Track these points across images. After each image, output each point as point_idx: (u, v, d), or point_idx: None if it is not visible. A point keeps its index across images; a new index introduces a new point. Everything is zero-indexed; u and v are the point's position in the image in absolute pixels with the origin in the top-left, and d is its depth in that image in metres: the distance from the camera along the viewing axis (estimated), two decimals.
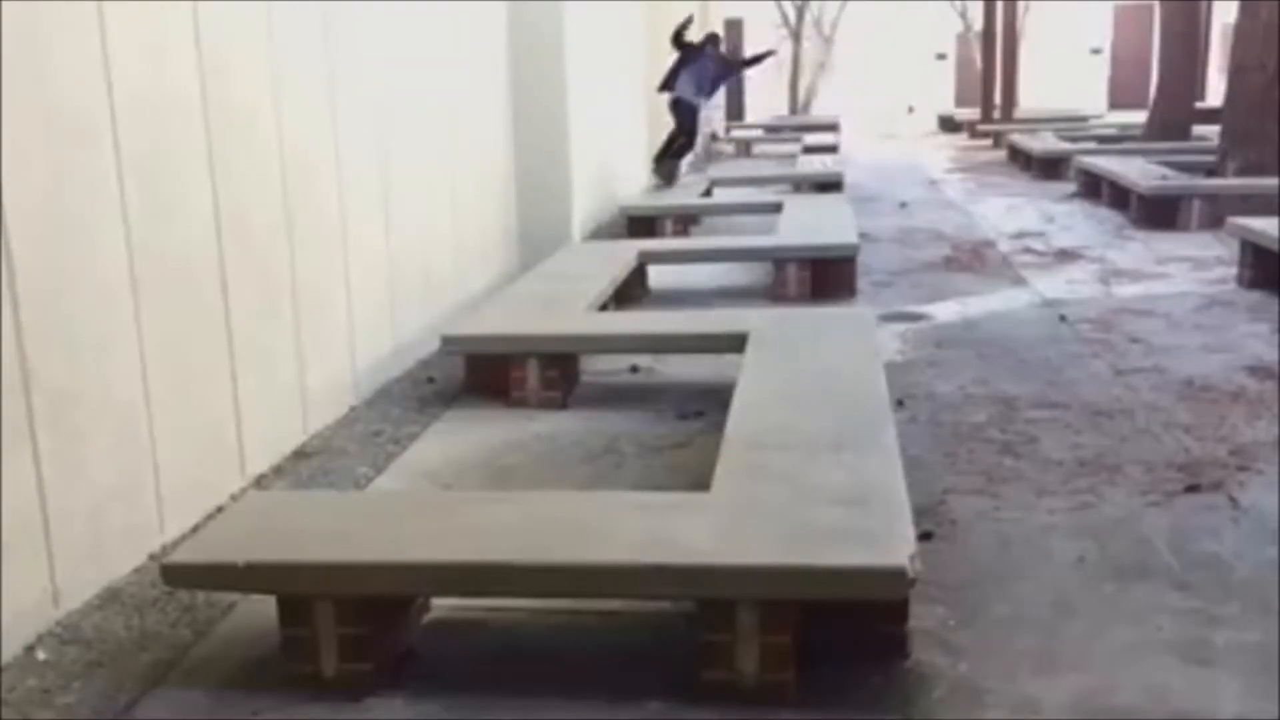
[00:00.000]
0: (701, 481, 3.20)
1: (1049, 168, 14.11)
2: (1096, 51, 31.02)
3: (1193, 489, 3.80)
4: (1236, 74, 10.51)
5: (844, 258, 7.13)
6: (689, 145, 11.31)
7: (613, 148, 10.57)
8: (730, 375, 4.28)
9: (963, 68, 30.68)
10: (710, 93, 11.50)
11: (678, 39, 10.86)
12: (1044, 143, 15.31)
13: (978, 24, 24.74)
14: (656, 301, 7.19)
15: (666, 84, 10.93)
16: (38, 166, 3.01)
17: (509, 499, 3.36)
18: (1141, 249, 8.73)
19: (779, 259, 7.15)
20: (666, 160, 11.07)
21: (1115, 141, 15.83)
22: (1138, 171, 10.65)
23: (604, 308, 5.84)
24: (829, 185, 10.98)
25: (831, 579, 2.50)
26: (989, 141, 20.06)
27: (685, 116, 11.04)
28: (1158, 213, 9.72)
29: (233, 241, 3.94)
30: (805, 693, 2.57)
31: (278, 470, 4.20)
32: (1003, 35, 22.31)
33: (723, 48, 11.80)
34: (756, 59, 12.53)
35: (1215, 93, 20.14)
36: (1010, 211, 11.26)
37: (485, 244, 7.09)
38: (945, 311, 6.73)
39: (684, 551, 2.58)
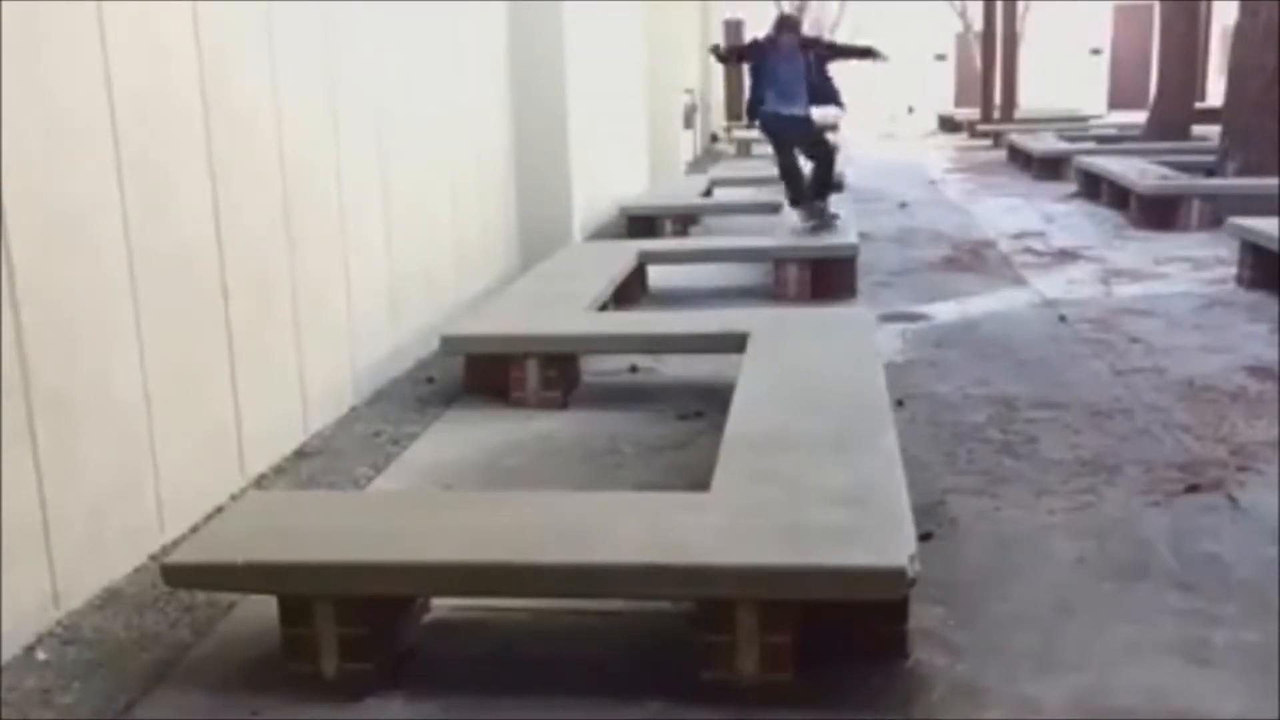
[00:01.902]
0: (701, 482, 3.20)
1: (1049, 168, 14.12)
2: (1096, 52, 31.03)
3: (1193, 489, 3.80)
4: (1236, 74, 10.51)
5: (844, 258, 7.13)
6: (828, 169, 8.17)
7: (613, 147, 10.56)
8: (730, 375, 4.29)
9: (962, 68, 30.69)
10: (817, 95, 8.08)
11: (719, 54, 9.11)
12: (1044, 143, 15.31)
13: (977, 24, 24.74)
14: (656, 301, 7.19)
15: (752, 111, 8.20)
16: (38, 167, 3.01)
17: (509, 499, 3.36)
18: (1141, 249, 8.74)
19: (779, 259, 7.15)
20: (806, 202, 7.97)
21: (1115, 141, 15.84)
22: (1137, 172, 10.66)
23: (604, 308, 5.84)
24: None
25: (831, 579, 2.50)
26: (989, 141, 20.08)
27: (793, 131, 8.02)
28: (1157, 213, 9.72)
29: (232, 241, 3.94)
30: (805, 693, 2.57)
31: (278, 470, 4.20)
32: (1003, 35, 22.33)
33: (803, 29, 8.78)
34: (859, 52, 8.65)
35: (1215, 93, 20.15)
36: (1010, 211, 11.26)
37: (485, 244, 7.09)
38: (945, 312, 6.73)
39: (684, 551, 2.58)
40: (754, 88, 8.08)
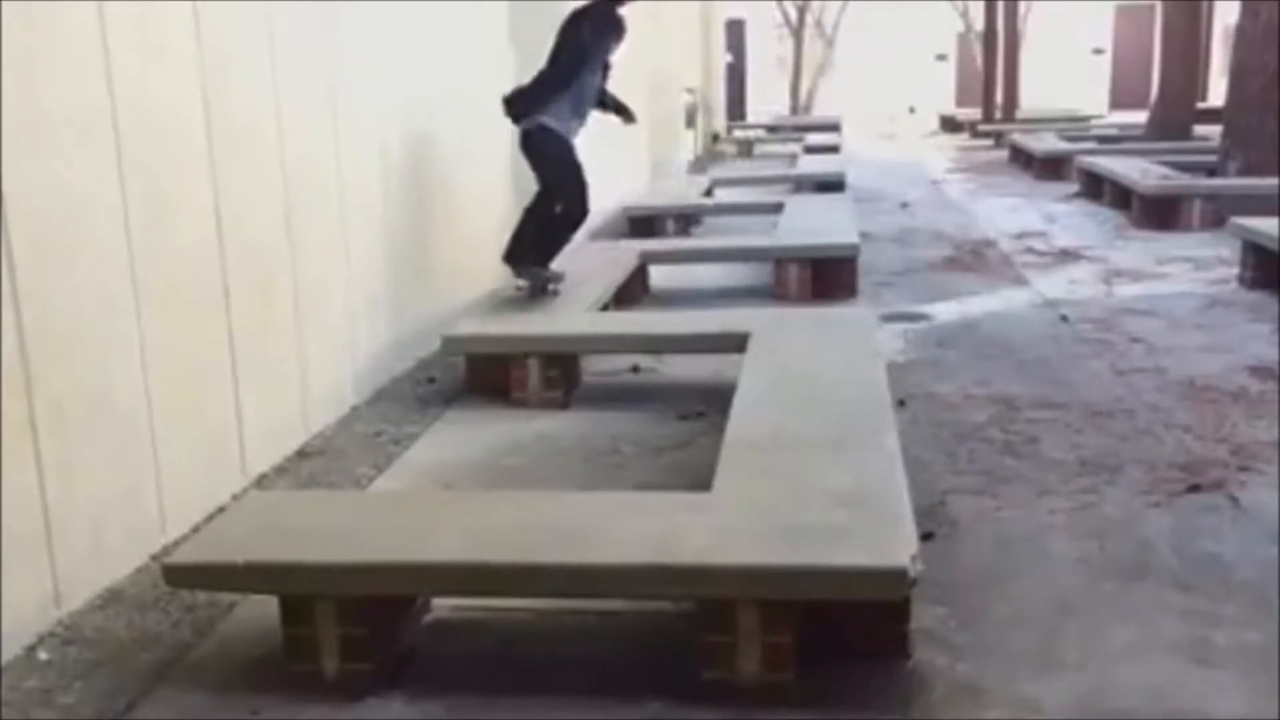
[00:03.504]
0: (702, 482, 3.20)
1: (1050, 168, 14.11)
2: (1098, 52, 31.02)
3: (1194, 489, 3.80)
4: (1237, 74, 10.51)
5: (845, 258, 7.13)
6: (572, 220, 5.83)
7: (614, 147, 10.55)
8: (731, 375, 4.29)
9: (963, 68, 30.69)
10: (586, 113, 5.97)
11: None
12: (1045, 143, 15.30)
13: (978, 24, 24.74)
14: (657, 301, 7.19)
15: (522, 103, 5.75)
16: (38, 168, 3.00)
17: (510, 499, 3.36)
18: (1143, 249, 8.73)
19: (780, 259, 7.15)
20: (528, 266, 5.83)
21: (1116, 141, 15.82)
22: (1139, 171, 10.65)
23: (605, 308, 5.84)
24: (830, 185, 10.98)
25: (832, 579, 2.50)
26: (990, 142, 20.06)
27: (552, 162, 5.73)
28: (1159, 213, 9.72)
29: (233, 241, 3.94)
30: (805, 693, 2.57)
31: (279, 470, 4.20)
32: (1004, 35, 22.32)
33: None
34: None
35: (1216, 93, 20.13)
36: (1011, 211, 11.26)
37: (487, 243, 7.08)
38: (946, 311, 6.73)
39: (685, 552, 2.58)
40: (564, 78, 5.65)
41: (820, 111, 27.76)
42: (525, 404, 4.93)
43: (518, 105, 5.72)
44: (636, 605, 2.95)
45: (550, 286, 5.88)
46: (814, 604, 2.58)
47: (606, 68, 6.00)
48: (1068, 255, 8.59)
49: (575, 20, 5.77)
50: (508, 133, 7.56)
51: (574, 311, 5.43)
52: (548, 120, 5.68)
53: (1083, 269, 8.02)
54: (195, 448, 3.72)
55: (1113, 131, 17.90)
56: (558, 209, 5.80)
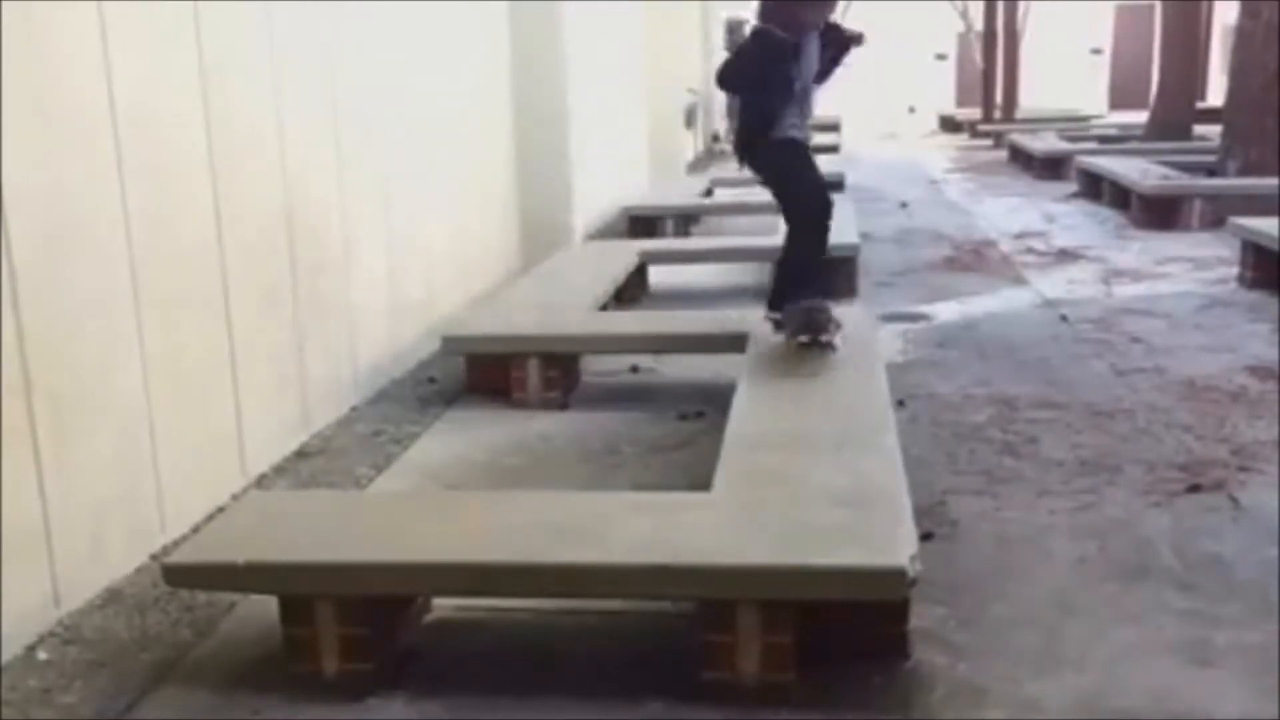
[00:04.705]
0: (702, 482, 3.20)
1: (1050, 168, 14.11)
2: (1097, 52, 31.02)
3: (1194, 489, 3.80)
4: (1237, 74, 10.51)
5: (844, 258, 7.12)
6: (813, 221, 5.09)
7: (614, 148, 10.56)
8: (730, 375, 4.29)
9: (963, 68, 30.68)
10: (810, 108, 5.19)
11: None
12: (1045, 143, 15.31)
13: (978, 24, 24.73)
14: (656, 301, 7.18)
15: (752, 134, 4.98)
16: (39, 168, 3.00)
17: (510, 499, 3.36)
18: (1142, 249, 8.73)
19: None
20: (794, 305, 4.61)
21: (1116, 141, 15.82)
22: (1138, 171, 10.65)
23: (604, 308, 5.85)
24: (830, 185, 10.95)
25: (832, 579, 2.50)
26: (990, 141, 20.06)
27: (776, 169, 5.13)
28: (1159, 213, 9.73)
29: (233, 241, 3.94)
30: (805, 693, 2.57)
31: (279, 470, 4.20)
32: (1003, 35, 22.33)
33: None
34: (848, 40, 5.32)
35: (1216, 93, 20.14)
36: (1011, 211, 11.26)
37: (487, 244, 7.09)
38: (946, 311, 6.73)
39: (684, 552, 2.58)
40: (767, 103, 4.82)
41: (819, 111, 27.70)
42: (525, 404, 4.93)
43: (746, 146, 5.07)
44: (636, 605, 2.95)
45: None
46: (814, 604, 2.58)
47: (834, 40, 5.16)
48: (1067, 255, 8.59)
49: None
50: (507, 131, 7.58)
51: (574, 311, 5.43)
52: (774, 135, 4.91)
53: (1082, 269, 8.02)
54: (195, 447, 3.71)
55: (1112, 131, 17.90)
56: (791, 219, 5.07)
